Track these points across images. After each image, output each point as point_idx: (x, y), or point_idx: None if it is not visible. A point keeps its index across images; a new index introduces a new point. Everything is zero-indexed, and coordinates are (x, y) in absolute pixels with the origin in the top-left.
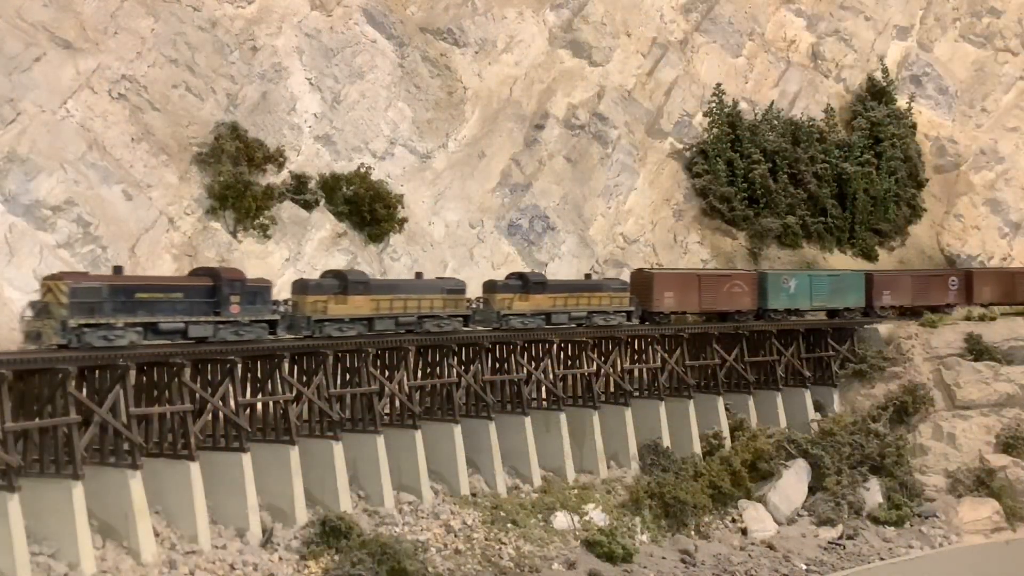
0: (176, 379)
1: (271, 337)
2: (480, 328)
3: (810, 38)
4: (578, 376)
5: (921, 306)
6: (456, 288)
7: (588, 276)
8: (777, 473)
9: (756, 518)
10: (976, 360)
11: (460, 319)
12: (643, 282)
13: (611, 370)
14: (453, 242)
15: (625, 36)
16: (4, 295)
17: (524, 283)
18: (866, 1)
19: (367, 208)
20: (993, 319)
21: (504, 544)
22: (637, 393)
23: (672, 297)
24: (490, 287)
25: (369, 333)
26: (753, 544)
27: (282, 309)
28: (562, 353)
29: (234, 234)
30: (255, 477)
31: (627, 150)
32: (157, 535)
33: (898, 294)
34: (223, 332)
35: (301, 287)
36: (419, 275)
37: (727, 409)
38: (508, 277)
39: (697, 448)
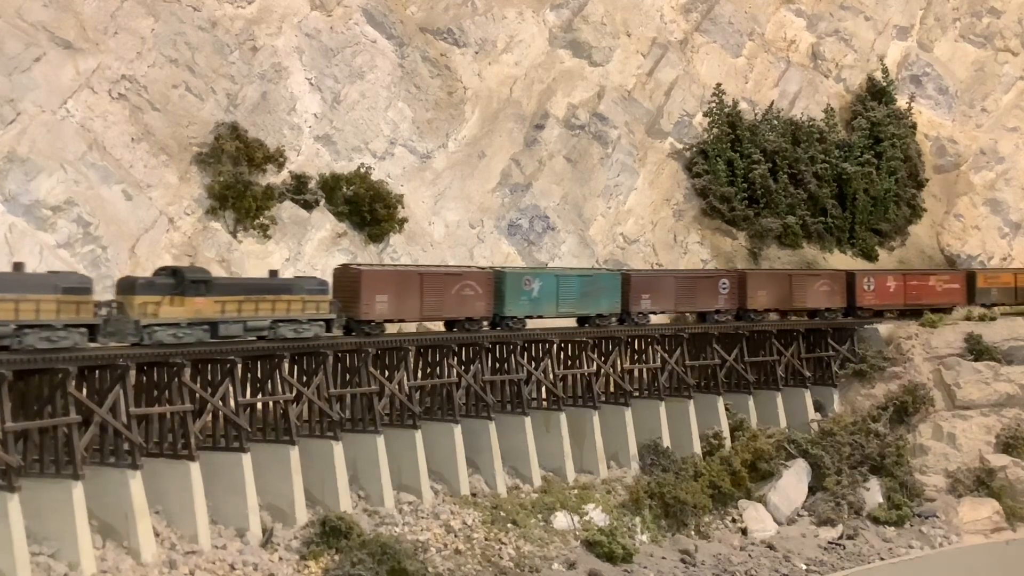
0: (176, 379)
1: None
2: (113, 344)
3: (810, 38)
4: (578, 376)
5: (686, 311)
6: (77, 287)
7: (274, 273)
8: (777, 473)
9: (756, 518)
10: (976, 360)
11: (83, 330)
12: (348, 283)
13: (611, 370)
14: (453, 242)
15: (625, 36)
16: None
17: (178, 281)
18: (866, 1)
19: (367, 208)
20: (993, 319)
21: (504, 544)
22: (637, 393)
23: (386, 302)
24: (127, 287)
25: None
26: (753, 544)
27: None
28: (562, 353)
29: (234, 234)
30: (255, 477)
31: (627, 150)
32: (157, 535)
33: (659, 298)
34: None
35: None
36: (18, 265)
37: (727, 409)
38: (156, 273)
39: (697, 448)
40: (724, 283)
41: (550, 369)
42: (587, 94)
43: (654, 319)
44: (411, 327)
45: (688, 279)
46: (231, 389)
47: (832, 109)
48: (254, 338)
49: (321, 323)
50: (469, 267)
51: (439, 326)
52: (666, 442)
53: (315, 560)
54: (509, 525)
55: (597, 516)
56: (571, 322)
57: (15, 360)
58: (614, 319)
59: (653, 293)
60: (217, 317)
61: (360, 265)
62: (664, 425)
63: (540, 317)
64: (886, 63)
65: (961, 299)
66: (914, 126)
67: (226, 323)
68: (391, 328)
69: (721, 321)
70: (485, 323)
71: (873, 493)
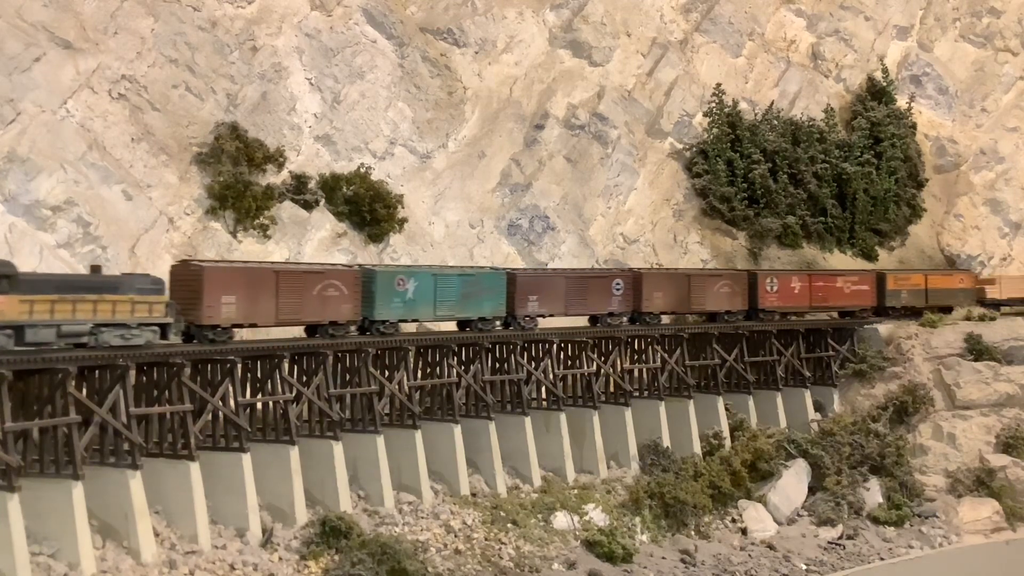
0: (176, 379)
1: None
2: None
3: (810, 38)
4: (578, 376)
5: (578, 314)
6: None
7: (96, 269)
8: (777, 473)
9: (756, 518)
10: (976, 360)
11: None
12: (188, 281)
13: (611, 370)
14: (453, 242)
15: (625, 36)
16: None
17: None
18: (866, 1)
19: (367, 208)
20: (993, 319)
21: (504, 544)
22: (637, 393)
23: (234, 303)
24: None
25: None
26: (753, 544)
27: None
28: (562, 353)
29: (234, 234)
30: (255, 477)
31: (627, 150)
32: (157, 535)
33: (548, 299)
34: None
35: None
36: None
37: (727, 409)
38: None
39: (697, 448)
40: (618, 284)
41: (550, 369)
42: (587, 94)
43: (547, 322)
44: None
45: (579, 279)
46: (231, 389)
47: (832, 109)
48: (71, 347)
49: (155, 328)
50: (334, 265)
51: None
52: (666, 442)
53: (315, 560)
54: (509, 525)
55: (597, 516)
56: (451, 326)
57: (15, 360)
58: (499, 323)
59: (541, 294)
60: (23, 320)
61: (202, 261)
62: (664, 425)
63: (416, 321)
64: (886, 63)
65: (870, 301)
66: (914, 126)
67: (34, 327)
68: (242, 334)
69: (615, 325)
70: (352, 328)
71: (873, 493)
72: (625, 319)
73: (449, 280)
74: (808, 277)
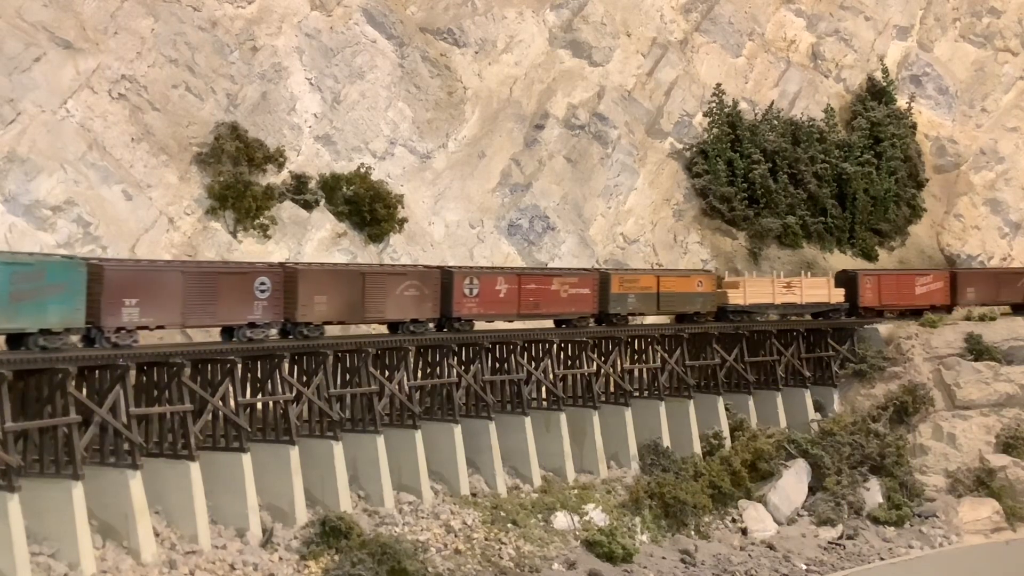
0: (176, 379)
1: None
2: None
3: (810, 38)
4: (578, 376)
5: (204, 325)
6: None
7: None
8: (777, 473)
9: (756, 518)
10: (976, 360)
11: None
12: None
13: (611, 370)
14: (453, 242)
15: (625, 36)
16: None
17: None
18: (866, 1)
19: (367, 208)
20: (993, 319)
21: (504, 544)
22: (637, 393)
23: None
24: None
25: None
26: (753, 544)
27: None
28: (562, 353)
29: (234, 234)
30: (255, 477)
31: (627, 150)
32: (157, 535)
33: (155, 304)
34: None
35: None
36: None
37: (727, 409)
38: None
39: (697, 448)
40: (263, 283)
41: (550, 369)
42: (587, 94)
43: (155, 337)
44: None
45: (204, 275)
46: (231, 389)
47: (832, 109)
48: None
49: None
50: None
51: None
52: (666, 442)
53: (315, 560)
54: (509, 525)
55: (597, 516)
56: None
57: (15, 360)
58: (75, 338)
59: (144, 296)
60: None
61: None
62: (664, 425)
63: None
64: (886, 63)
65: (591, 307)
66: (914, 126)
67: None
68: None
69: (258, 339)
70: None
71: (873, 493)
72: (274, 331)
73: None
74: (517, 278)
